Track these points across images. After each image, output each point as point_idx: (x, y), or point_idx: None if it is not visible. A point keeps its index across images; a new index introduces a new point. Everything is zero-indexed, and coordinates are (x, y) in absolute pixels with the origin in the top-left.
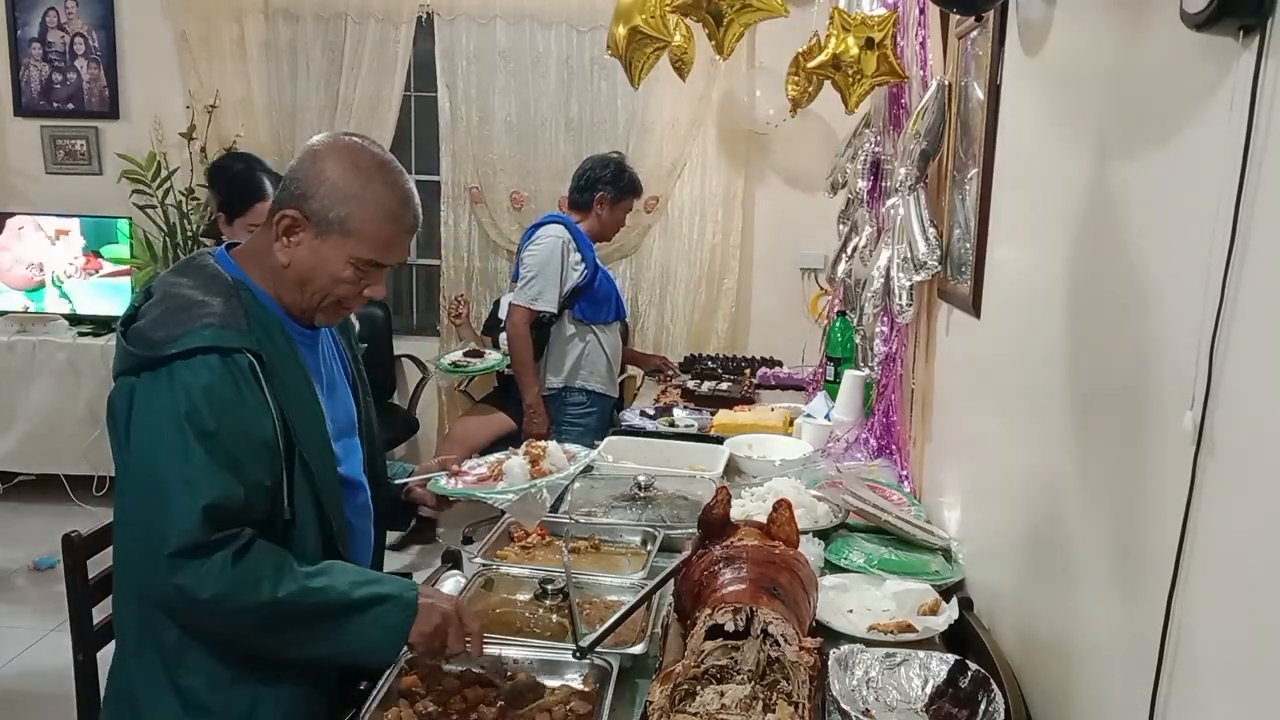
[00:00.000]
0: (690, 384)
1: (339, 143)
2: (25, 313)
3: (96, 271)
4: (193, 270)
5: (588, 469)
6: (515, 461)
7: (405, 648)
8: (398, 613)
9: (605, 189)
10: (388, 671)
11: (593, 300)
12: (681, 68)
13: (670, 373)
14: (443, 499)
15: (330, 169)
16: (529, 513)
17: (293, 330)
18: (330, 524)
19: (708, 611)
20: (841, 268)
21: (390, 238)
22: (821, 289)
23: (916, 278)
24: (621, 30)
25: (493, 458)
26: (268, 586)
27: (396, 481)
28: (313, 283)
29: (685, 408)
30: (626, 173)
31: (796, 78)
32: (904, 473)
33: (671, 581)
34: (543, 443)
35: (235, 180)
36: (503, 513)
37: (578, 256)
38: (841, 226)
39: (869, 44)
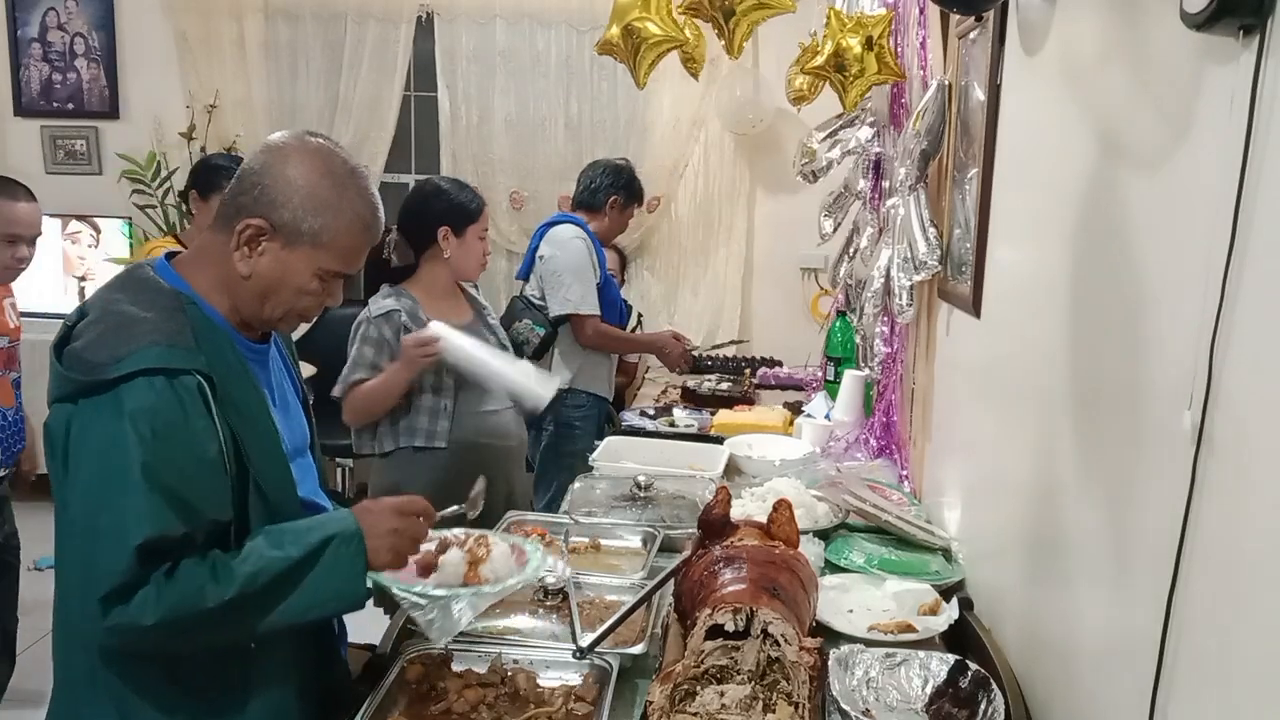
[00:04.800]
0: (690, 383)
1: (307, 145)
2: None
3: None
4: (131, 284)
5: (569, 484)
6: (454, 557)
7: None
8: (348, 547)
9: (619, 193)
10: (387, 671)
11: (601, 303)
12: (694, 67)
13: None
14: None
15: (302, 176)
16: (439, 628)
17: (243, 346)
18: None
19: (708, 611)
20: (842, 268)
21: (360, 248)
22: (822, 289)
23: (917, 278)
24: (616, 30)
25: (453, 533)
26: (213, 591)
27: None
28: (276, 295)
29: (685, 408)
30: (637, 181)
31: (802, 75)
32: (904, 473)
33: (671, 582)
34: (495, 539)
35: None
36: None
37: (595, 258)
38: (824, 220)
39: (868, 44)
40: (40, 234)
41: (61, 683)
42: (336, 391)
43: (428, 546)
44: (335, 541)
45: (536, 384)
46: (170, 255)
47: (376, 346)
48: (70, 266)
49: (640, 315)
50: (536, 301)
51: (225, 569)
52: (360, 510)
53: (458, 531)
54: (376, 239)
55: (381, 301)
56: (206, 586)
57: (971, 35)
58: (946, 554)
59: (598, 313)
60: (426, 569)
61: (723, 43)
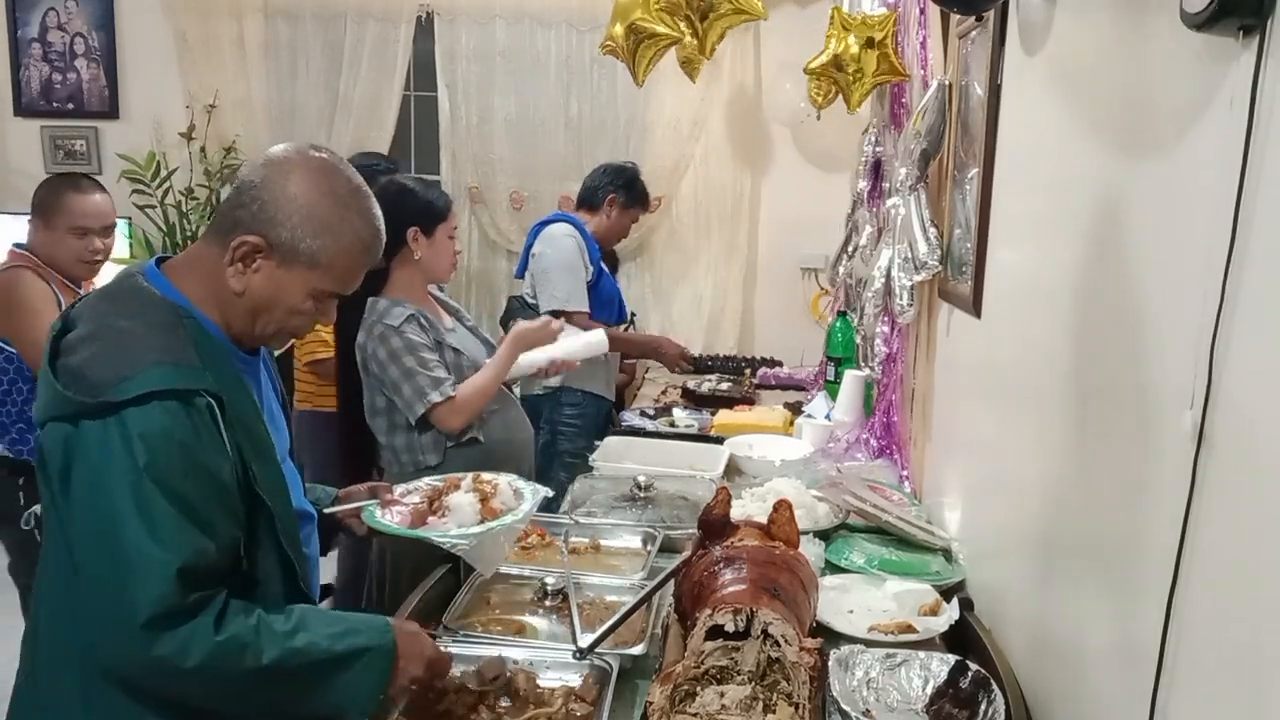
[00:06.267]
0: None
1: (309, 161)
2: None
3: None
4: (124, 296)
5: (553, 496)
6: (464, 499)
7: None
8: (379, 662)
9: (619, 193)
10: None
11: (596, 301)
12: (690, 69)
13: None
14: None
15: (303, 194)
16: (487, 559)
17: (238, 358)
18: (293, 565)
19: (708, 612)
20: (842, 268)
21: (358, 269)
22: (822, 289)
23: (917, 278)
24: (619, 29)
25: (424, 483)
26: (252, 654)
27: (324, 510)
28: (268, 313)
29: (685, 408)
30: (640, 184)
31: (816, 80)
32: (904, 473)
33: (671, 582)
34: (490, 476)
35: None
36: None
37: (587, 256)
38: (847, 229)
39: (869, 44)
40: (113, 224)
41: (43, 704)
42: (435, 398)
43: (412, 499)
44: (370, 654)
45: (587, 341)
46: (160, 260)
47: (432, 350)
48: None
49: (634, 315)
50: (530, 300)
51: (270, 633)
52: (401, 627)
53: (435, 480)
54: (376, 261)
55: (393, 310)
56: (250, 645)
57: (971, 35)
58: (947, 554)
59: (586, 309)
60: (420, 519)
61: (695, 43)
